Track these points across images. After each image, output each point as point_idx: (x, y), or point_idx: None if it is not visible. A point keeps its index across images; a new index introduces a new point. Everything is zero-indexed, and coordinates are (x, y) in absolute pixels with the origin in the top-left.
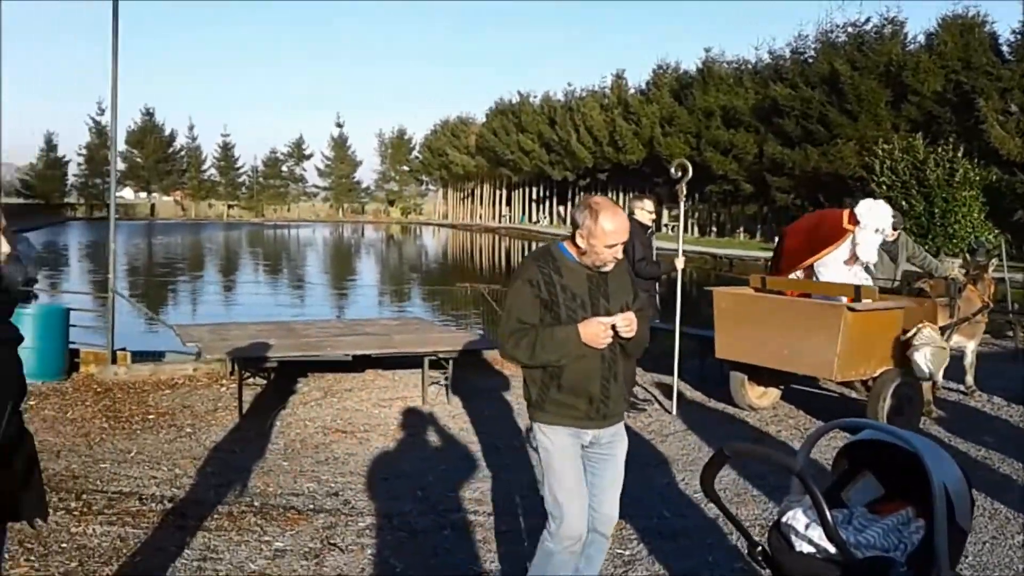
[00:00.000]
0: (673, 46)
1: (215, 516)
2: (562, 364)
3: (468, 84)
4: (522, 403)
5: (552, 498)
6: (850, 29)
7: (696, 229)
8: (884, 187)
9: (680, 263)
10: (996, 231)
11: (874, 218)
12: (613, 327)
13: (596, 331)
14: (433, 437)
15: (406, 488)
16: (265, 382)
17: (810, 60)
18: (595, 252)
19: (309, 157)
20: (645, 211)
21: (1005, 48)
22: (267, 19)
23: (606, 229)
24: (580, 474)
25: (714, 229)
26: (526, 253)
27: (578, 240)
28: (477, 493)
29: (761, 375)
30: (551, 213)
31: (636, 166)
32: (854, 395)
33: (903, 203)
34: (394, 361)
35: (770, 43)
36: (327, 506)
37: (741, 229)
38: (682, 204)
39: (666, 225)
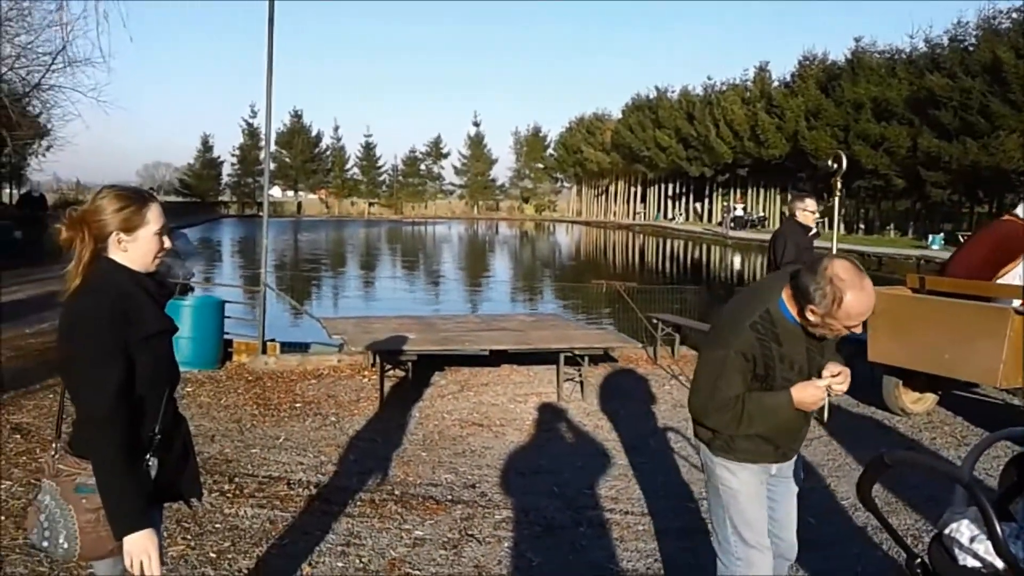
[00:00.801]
0: (820, 36)
1: (358, 503)
2: None
3: (604, 80)
4: (658, 402)
5: (738, 539)
6: (1015, 15)
7: (843, 226)
8: None
9: None
10: None
11: None
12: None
13: (814, 398)
14: (568, 433)
15: (542, 483)
16: (405, 374)
17: (970, 48)
18: (830, 328)
19: (446, 156)
20: (807, 211)
21: None
22: (407, 20)
23: (852, 312)
24: (766, 512)
25: (862, 226)
26: (661, 251)
27: (809, 315)
28: (613, 491)
29: (917, 380)
30: (687, 210)
31: (778, 161)
32: (1016, 402)
33: None
34: (529, 357)
35: (926, 31)
36: (465, 497)
37: (892, 226)
38: (836, 199)
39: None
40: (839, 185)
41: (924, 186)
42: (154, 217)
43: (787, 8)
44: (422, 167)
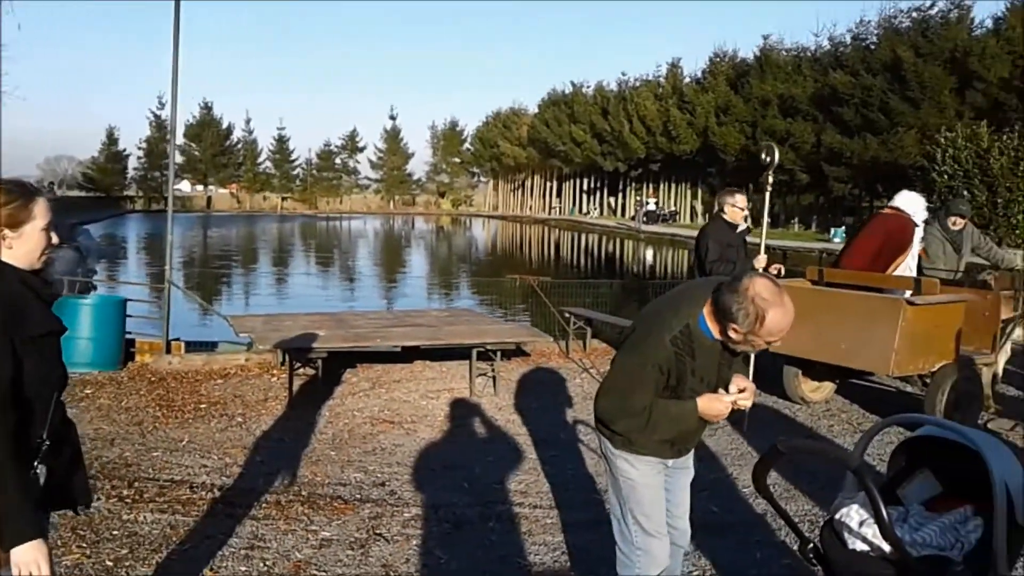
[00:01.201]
0: (731, 33)
1: (263, 505)
2: None
3: (521, 75)
4: (569, 396)
5: (638, 527)
6: (914, 14)
7: (750, 219)
8: (945, 176)
9: (760, 262)
10: None
11: (920, 209)
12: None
13: (719, 412)
14: (480, 429)
15: (452, 479)
16: (315, 372)
17: (872, 47)
18: (752, 344)
19: (362, 149)
20: (736, 208)
21: None
22: (322, 12)
23: (774, 330)
24: (664, 500)
25: (768, 219)
26: (576, 245)
27: (732, 333)
28: (523, 485)
29: (815, 369)
30: (601, 204)
31: (689, 156)
32: (910, 389)
33: (965, 193)
34: (443, 352)
35: (831, 29)
36: (373, 496)
37: (796, 219)
38: (767, 194)
39: None
40: (771, 179)
41: (827, 181)
42: (40, 212)
43: (700, 5)
44: (337, 161)
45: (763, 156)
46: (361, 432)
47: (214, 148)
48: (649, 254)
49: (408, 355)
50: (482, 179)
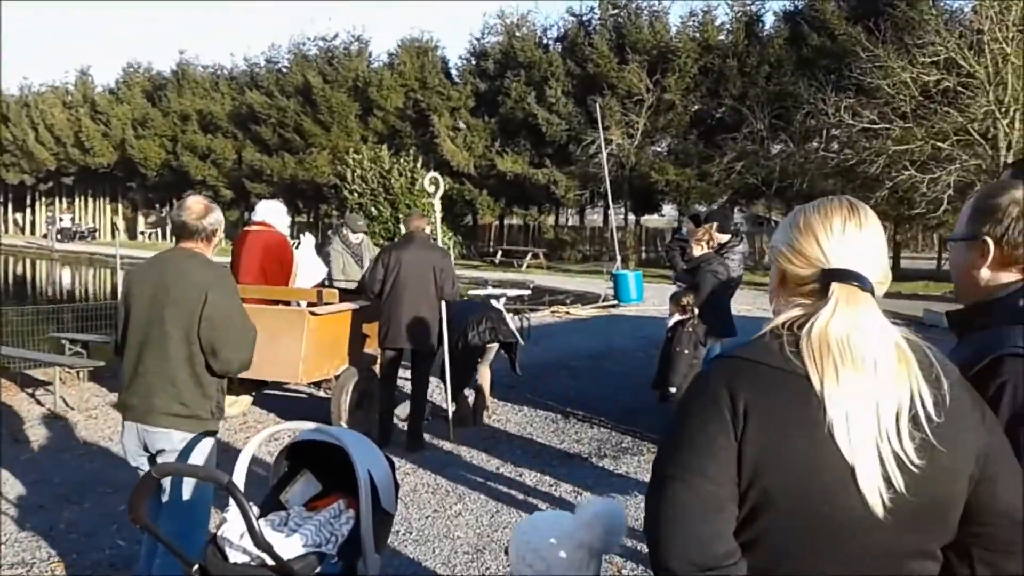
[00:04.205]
0: (144, 47)
1: None
2: None
3: None
4: None
5: None
6: (320, 43)
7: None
8: (356, 194)
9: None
10: (451, 234)
11: (284, 218)
12: None
13: None
14: None
15: None
16: None
17: (284, 70)
18: None
19: None
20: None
21: (454, 72)
22: None
23: None
24: None
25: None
26: None
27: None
28: None
29: (231, 383)
30: (6, 221)
31: (107, 169)
32: (320, 394)
33: (373, 209)
34: None
35: (246, 50)
36: None
37: (224, 235)
38: (438, 219)
39: (142, 233)
40: (438, 208)
41: (249, 197)
42: None
43: (111, 15)
44: None
45: (427, 185)
46: None
47: None
48: (66, 275)
49: None
50: None
